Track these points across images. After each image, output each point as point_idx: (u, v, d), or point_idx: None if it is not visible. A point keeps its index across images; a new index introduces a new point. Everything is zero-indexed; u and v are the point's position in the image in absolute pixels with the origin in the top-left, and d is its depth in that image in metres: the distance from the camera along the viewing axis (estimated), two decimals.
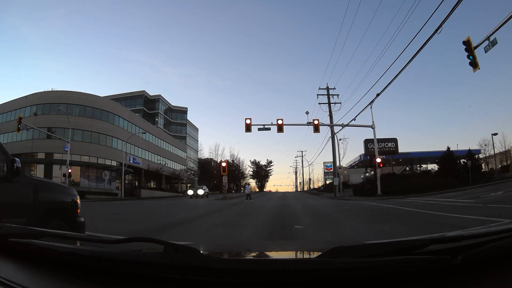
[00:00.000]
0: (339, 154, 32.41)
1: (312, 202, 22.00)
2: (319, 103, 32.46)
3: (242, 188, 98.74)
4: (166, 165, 57.58)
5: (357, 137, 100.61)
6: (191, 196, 38.12)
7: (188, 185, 59.90)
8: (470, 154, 31.30)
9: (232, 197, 36.78)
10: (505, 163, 42.31)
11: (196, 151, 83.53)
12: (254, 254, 1.53)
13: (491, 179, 27.59)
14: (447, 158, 30.38)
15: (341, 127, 30.28)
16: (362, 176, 43.72)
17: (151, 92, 67.96)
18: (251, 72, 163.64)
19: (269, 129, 27.39)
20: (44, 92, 40.80)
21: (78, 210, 4.11)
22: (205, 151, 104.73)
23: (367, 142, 33.54)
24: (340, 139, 39.49)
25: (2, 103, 43.00)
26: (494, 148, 39.80)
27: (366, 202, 18.46)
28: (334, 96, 32.64)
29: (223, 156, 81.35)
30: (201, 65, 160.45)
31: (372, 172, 33.42)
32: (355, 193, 31.05)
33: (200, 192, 39.29)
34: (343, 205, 16.32)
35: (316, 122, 27.79)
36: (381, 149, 31.91)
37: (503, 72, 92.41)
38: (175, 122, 73.91)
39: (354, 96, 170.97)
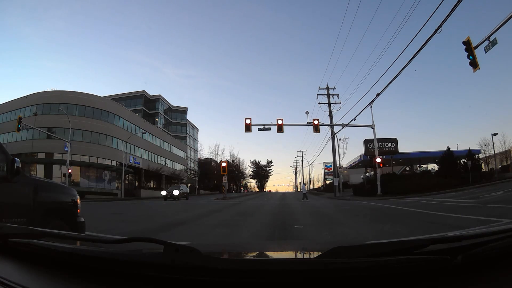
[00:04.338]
0: (339, 154, 32.49)
1: (312, 202, 22.00)
2: (319, 103, 32.56)
3: (242, 188, 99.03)
4: (166, 165, 57.57)
5: (357, 137, 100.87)
6: (165, 198, 32.64)
7: (189, 185, 59.80)
8: (470, 154, 31.29)
9: (232, 197, 36.78)
10: (505, 163, 42.29)
11: (196, 151, 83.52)
12: (254, 254, 1.53)
13: (491, 179, 27.59)
14: (447, 158, 30.36)
15: (341, 127, 30.35)
16: (362, 176, 43.73)
17: (151, 92, 68.13)
18: (252, 72, 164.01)
19: (269, 129, 27.43)
20: (44, 92, 40.79)
21: (78, 210, 4.10)
22: (205, 151, 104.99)
23: (367, 142, 33.54)
24: (340, 139, 39.51)
25: (2, 103, 43.00)
26: (494, 148, 39.83)
27: (366, 202, 18.46)
28: (334, 96, 32.72)
29: (223, 156, 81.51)
30: (201, 65, 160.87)
31: (372, 172, 33.42)
32: (355, 193, 31.05)
33: (176, 192, 33.00)
34: (343, 205, 16.32)
35: (316, 122, 27.81)
36: (381, 149, 31.89)
37: (503, 72, 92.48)
38: (175, 122, 73.91)
39: (354, 96, 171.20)
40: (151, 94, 67.71)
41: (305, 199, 24.43)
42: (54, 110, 37.74)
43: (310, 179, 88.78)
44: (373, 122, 26.97)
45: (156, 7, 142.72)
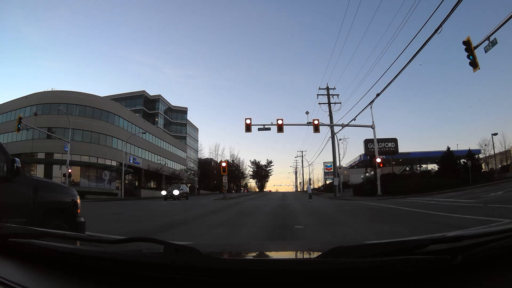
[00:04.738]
0: (339, 154, 32.46)
1: (312, 202, 22.00)
2: (319, 103, 32.57)
3: (242, 188, 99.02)
4: (166, 165, 57.58)
5: (357, 137, 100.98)
6: (165, 198, 32.71)
7: (189, 185, 59.77)
8: (470, 154, 31.30)
9: (232, 197, 36.78)
10: (505, 163, 42.30)
11: (196, 151, 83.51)
12: (254, 254, 1.53)
13: (491, 179, 27.59)
14: (447, 158, 30.38)
15: (341, 127, 30.34)
16: (362, 176, 43.77)
17: (151, 92, 68.20)
18: (252, 72, 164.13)
19: (269, 129, 27.42)
20: (44, 92, 40.79)
21: (78, 210, 4.11)
22: (205, 151, 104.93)
23: (367, 142, 33.54)
24: (340, 139, 39.52)
25: (2, 103, 43.01)
26: (494, 148, 39.84)
27: (366, 202, 18.46)
28: (334, 96, 32.72)
29: (223, 156, 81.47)
30: (202, 65, 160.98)
31: (372, 172, 33.42)
32: (355, 193, 31.05)
33: (176, 192, 33.27)
34: (343, 205, 16.32)
35: (316, 122, 27.81)
36: (381, 149, 31.89)
37: (503, 72, 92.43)
38: (175, 122, 73.92)
39: (354, 96, 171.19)
40: (151, 94, 67.73)
41: (310, 199, 24.48)
42: (54, 110, 37.73)
43: (310, 179, 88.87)
44: (373, 122, 27.00)
45: (156, 7, 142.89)
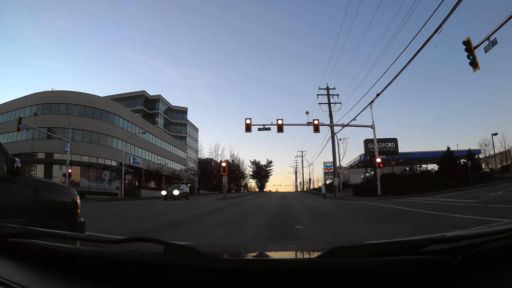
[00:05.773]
0: (339, 154, 32.49)
1: (312, 202, 22.00)
2: (319, 103, 32.61)
3: (242, 188, 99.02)
4: (166, 165, 57.58)
5: (357, 137, 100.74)
6: (165, 198, 32.72)
7: (189, 185, 59.77)
8: (470, 154, 31.33)
9: (232, 197, 36.78)
10: (505, 163, 42.33)
11: (196, 151, 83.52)
12: (254, 254, 1.53)
13: (491, 179, 27.61)
14: (447, 158, 30.40)
15: (341, 127, 30.36)
16: (362, 176, 43.75)
17: (151, 92, 68.26)
18: (252, 72, 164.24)
19: (269, 129, 27.45)
20: (44, 92, 40.80)
21: (78, 210, 4.10)
22: (205, 151, 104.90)
23: (367, 142, 33.52)
24: (340, 139, 39.48)
25: (2, 103, 43.02)
26: (494, 148, 39.88)
27: (366, 202, 18.46)
28: (334, 96, 32.76)
29: (223, 156, 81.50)
30: (202, 65, 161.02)
31: (372, 172, 33.42)
32: (355, 193, 31.05)
33: (176, 192, 33.21)
34: (343, 205, 16.32)
35: (316, 122, 27.83)
36: (381, 149, 31.87)
37: (503, 72, 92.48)
38: (175, 122, 73.93)
39: (354, 96, 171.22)
40: (151, 94, 67.74)
41: (325, 199, 24.42)
42: (54, 110, 37.74)
43: (310, 179, 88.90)
44: (373, 122, 27.01)
45: (156, 7, 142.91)
